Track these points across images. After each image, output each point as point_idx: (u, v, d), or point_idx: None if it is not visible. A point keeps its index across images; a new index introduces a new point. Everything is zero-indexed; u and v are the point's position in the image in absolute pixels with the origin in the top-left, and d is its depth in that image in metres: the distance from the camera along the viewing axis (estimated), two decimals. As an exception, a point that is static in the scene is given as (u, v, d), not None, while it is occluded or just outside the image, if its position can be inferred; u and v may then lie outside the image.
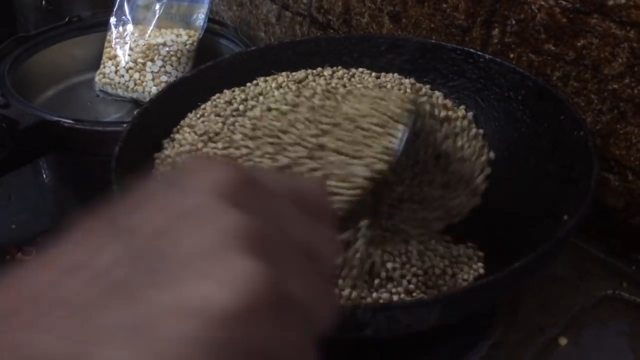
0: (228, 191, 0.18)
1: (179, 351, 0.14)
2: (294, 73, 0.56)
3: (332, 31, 0.75)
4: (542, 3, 0.53)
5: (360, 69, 0.57)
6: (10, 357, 0.14)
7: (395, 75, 0.56)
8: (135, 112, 0.54)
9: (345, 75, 0.57)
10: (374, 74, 0.57)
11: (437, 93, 0.54)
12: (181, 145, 0.47)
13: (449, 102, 0.54)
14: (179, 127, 0.49)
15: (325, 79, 0.55)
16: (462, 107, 0.54)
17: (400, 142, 0.39)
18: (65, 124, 0.60)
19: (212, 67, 0.57)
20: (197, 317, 0.15)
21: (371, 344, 0.45)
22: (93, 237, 0.17)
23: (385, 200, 0.43)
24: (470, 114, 0.53)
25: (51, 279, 0.16)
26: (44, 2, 0.92)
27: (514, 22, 0.56)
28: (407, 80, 0.55)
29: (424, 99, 0.50)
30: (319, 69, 0.57)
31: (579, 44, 0.53)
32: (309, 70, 0.56)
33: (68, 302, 0.15)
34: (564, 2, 0.52)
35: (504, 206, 0.48)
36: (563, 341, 0.48)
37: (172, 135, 0.49)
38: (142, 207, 0.18)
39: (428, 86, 0.55)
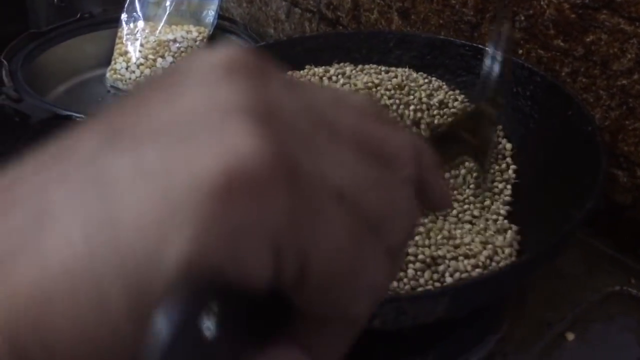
0: (233, 66, 0.15)
1: (148, 224, 0.13)
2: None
3: (341, 27, 0.75)
4: (551, -1, 0.54)
5: (368, 65, 0.58)
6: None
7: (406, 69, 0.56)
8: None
9: (354, 70, 0.57)
10: (383, 68, 0.57)
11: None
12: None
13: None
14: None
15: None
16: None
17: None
18: (78, 119, 0.61)
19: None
20: (178, 185, 0.13)
21: (382, 336, 0.45)
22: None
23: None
24: None
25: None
26: (56, -2, 0.93)
27: (522, 17, 0.56)
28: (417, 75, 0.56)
29: None
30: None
31: (587, 39, 0.53)
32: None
33: (77, 155, 0.14)
34: (573, -2, 0.52)
35: (512, 200, 0.49)
36: (570, 336, 0.48)
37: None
38: (136, 100, 0.16)
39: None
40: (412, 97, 0.52)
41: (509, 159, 0.52)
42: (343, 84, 0.55)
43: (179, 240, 0.13)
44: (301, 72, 0.57)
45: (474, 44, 0.56)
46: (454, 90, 0.55)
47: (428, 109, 0.52)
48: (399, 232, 0.16)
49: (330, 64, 0.58)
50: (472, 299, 0.35)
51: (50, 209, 0.14)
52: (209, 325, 0.12)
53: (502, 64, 0.36)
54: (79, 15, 0.83)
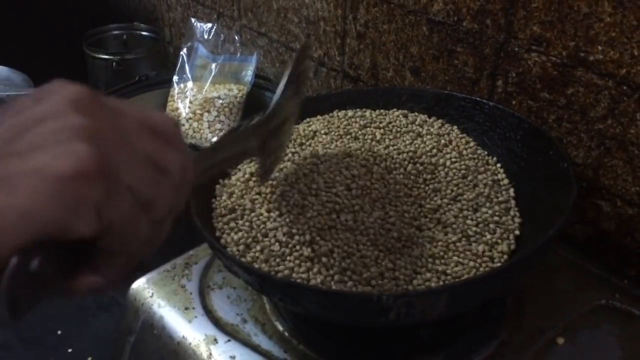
0: (76, 101, 0.25)
1: (33, 196, 0.23)
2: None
3: (362, 84, 0.86)
4: (536, 59, 0.64)
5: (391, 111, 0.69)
6: None
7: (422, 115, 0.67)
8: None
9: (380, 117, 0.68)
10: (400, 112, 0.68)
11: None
12: (244, 174, 0.58)
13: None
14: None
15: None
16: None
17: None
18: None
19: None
20: (44, 175, 0.23)
21: (394, 339, 0.54)
22: None
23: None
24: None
25: None
26: (114, 63, 1.07)
27: (514, 74, 0.67)
28: (431, 120, 0.67)
29: None
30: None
31: (568, 92, 0.63)
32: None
33: None
34: (553, 58, 0.62)
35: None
36: (560, 341, 0.56)
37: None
38: (8, 112, 0.26)
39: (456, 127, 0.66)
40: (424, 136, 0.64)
41: (511, 191, 0.60)
42: (364, 125, 0.66)
43: (49, 206, 0.23)
44: (329, 114, 0.68)
45: (473, 97, 0.66)
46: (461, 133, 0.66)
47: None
48: (160, 210, 0.27)
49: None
50: (467, 296, 0.44)
51: None
52: (36, 263, 0.24)
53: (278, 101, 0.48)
54: (137, 78, 0.95)
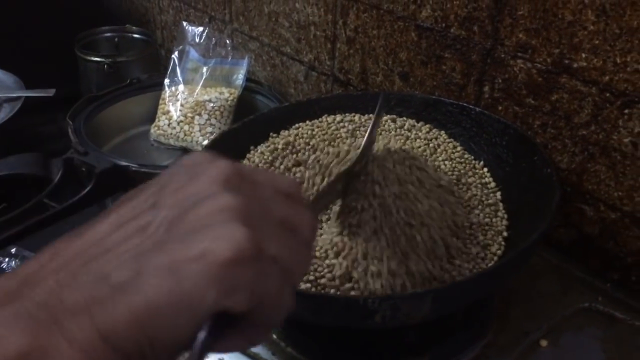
0: (224, 179, 0.27)
1: (197, 283, 0.24)
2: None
3: (352, 88, 0.87)
4: (522, 66, 0.65)
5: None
6: (86, 277, 0.24)
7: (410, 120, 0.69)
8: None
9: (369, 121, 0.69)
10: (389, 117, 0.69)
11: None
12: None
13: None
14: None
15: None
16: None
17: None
18: (133, 168, 0.73)
19: (252, 120, 0.69)
20: (207, 262, 0.24)
21: (381, 341, 0.55)
22: (132, 206, 0.27)
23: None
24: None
25: (105, 230, 0.26)
26: (105, 66, 1.07)
27: (500, 80, 0.68)
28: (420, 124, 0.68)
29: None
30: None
31: (552, 98, 0.64)
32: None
33: (118, 246, 0.25)
34: (538, 65, 0.64)
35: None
36: (544, 343, 0.57)
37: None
38: (165, 188, 0.27)
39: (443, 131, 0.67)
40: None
41: (498, 194, 0.62)
42: (354, 129, 0.67)
43: (212, 296, 0.24)
44: (318, 119, 0.69)
45: (460, 103, 0.67)
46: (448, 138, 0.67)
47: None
48: (299, 274, 0.30)
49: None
50: (451, 299, 0.45)
51: (143, 276, 0.24)
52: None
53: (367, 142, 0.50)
54: (128, 81, 0.96)
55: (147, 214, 0.26)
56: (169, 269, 0.24)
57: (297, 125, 0.68)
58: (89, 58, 1.09)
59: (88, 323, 0.23)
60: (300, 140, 0.65)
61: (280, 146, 0.65)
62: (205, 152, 0.29)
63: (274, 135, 0.67)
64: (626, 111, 0.58)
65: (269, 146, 0.65)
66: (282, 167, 0.63)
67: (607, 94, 0.59)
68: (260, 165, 0.63)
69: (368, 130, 0.50)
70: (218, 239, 0.25)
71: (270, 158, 0.63)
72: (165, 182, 0.28)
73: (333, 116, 0.70)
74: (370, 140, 0.51)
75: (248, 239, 0.25)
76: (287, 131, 0.68)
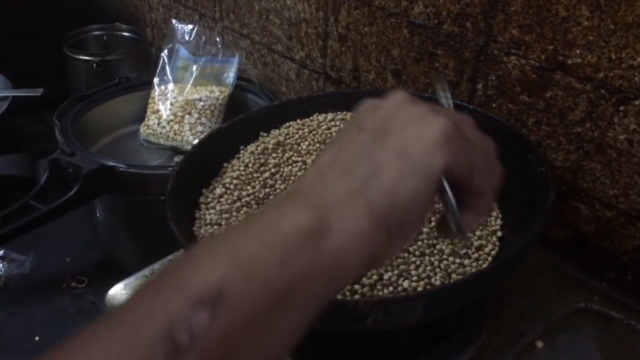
0: (408, 99, 0.33)
1: (423, 152, 0.30)
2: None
3: (344, 86, 0.86)
4: (516, 62, 0.64)
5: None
6: (340, 180, 0.30)
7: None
8: (180, 154, 0.66)
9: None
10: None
11: None
12: (227, 179, 0.58)
13: None
14: (222, 170, 0.61)
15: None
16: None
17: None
18: (121, 168, 0.72)
19: (242, 119, 0.68)
20: (425, 137, 0.30)
21: (374, 344, 0.54)
22: (344, 138, 0.32)
23: None
24: None
25: (334, 154, 0.32)
26: (94, 64, 1.06)
27: (494, 77, 0.67)
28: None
29: None
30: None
31: (547, 95, 0.63)
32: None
33: (353, 159, 0.31)
34: (532, 61, 0.63)
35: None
36: (539, 344, 0.56)
37: (217, 176, 0.61)
38: (361, 118, 0.33)
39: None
40: None
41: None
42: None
43: (439, 157, 0.30)
44: (309, 118, 0.68)
45: (454, 101, 0.66)
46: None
47: None
48: (492, 152, 0.36)
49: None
50: (444, 302, 0.44)
51: (377, 167, 0.30)
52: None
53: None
54: (117, 80, 0.94)
55: (359, 137, 0.32)
56: (396, 153, 0.30)
57: (287, 124, 0.67)
58: (77, 57, 1.07)
59: (356, 206, 0.29)
60: (291, 139, 0.64)
61: (270, 145, 0.63)
62: (372, 99, 0.35)
63: (264, 134, 0.66)
64: (621, 108, 0.57)
65: (259, 145, 0.64)
66: (271, 164, 0.62)
67: (602, 91, 0.58)
68: (250, 165, 0.62)
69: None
70: (425, 126, 0.30)
71: (261, 158, 0.62)
72: (357, 117, 0.33)
73: (324, 115, 0.68)
74: None
75: (452, 123, 0.30)
76: (277, 130, 0.66)
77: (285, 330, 0.27)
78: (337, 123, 0.67)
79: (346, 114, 0.69)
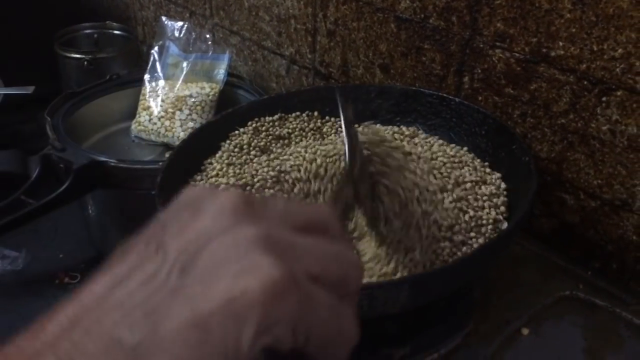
0: (232, 209, 0.23)
1: (228, 331, 0.20)
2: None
3: (333, 81, 0.87)
4: (501, 55, 0.65)
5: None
6: (96, 344, 0.20)
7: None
8: (171, 150, 0.66)
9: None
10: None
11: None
12: (212, 171, 0.59)
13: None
14: (208, 162, 0.62)
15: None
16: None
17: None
18: (111, 163, 0.72)
19: (232, 113, 0.69)
20: (235, 305, 0.20)
21: (362, 333, 0.55)
22: (132, 255, 0.23)
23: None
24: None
25: (104, 288, 0.22)
26: (85, 62, 1.06)
27: (479, 71, 0.68)
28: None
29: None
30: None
31: (531, 87, 0.64)
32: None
33: (123, 304, 0.21)
34: (517, 54, 0.64)
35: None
36: (525, 331, 0.57)
37: (202, 167, 0.61)
38: (168, 228, 0.23)
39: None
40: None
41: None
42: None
43: (250, 337, 0.21)
44: (293, 114, 0.69)
45: (440, 93, 0.67)
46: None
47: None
48: (355, 287, 0.25)
49: (321, 112, 0.70)
50: (428, 287, 0.44)
51: (160, 334, 0.21)
52: None
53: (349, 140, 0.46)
54: (108, 77, 0.95)
55: (152, 260, 0.23)
56: (191, 320, 0.21)
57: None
58: (68, 55, 1.08)
59: None
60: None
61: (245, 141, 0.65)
62: (203, 186, 0.26)
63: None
64: (604, 99, 0.58)
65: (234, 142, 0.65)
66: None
67: (585, 82, 0.59)
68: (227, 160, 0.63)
69: (344, 134, 0.46)
70: (242, 275, 0.21)
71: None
72: (166, 222, 0.24)
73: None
74: (351, 142, 0.47)
75: (276, 266, 0.21)
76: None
77: None
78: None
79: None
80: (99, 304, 0.22)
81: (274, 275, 0.21)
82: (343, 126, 0.47)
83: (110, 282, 0.23)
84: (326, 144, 0.60)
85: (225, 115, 0.68)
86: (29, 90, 1.01)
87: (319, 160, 0.54)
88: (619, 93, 0.57)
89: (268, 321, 0.21)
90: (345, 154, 0.46)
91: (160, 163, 0.71)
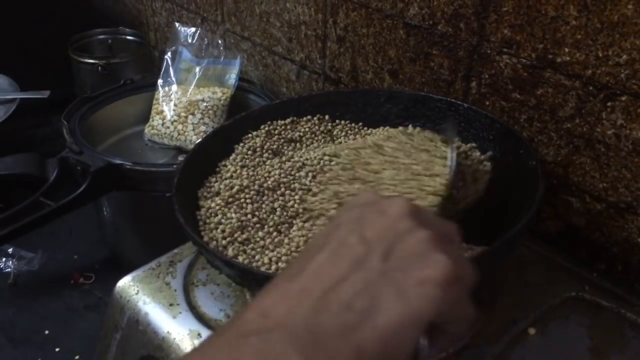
0: (409, 213, 0.32)
1: (422, 302, 0.28)
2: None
3: (342, 86, 0.89)
4: (508, 61, 0.66)
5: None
6: (333, 306, 0.28)
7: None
8: (184, 153, 0.68)
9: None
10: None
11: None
12: (226, 173, 0.61)
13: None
14: (222, 164, 0.64)
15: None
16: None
17: (451, 162, 0.51)
18: (127, 166, 0.74)
19: (245, 117, 0.71)
20: (427, 285, 0.28)
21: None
22: (333, 244, 0.31)
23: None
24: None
25: (324, 265, 0.30)
26: (99, 67, 1.09)
27: (487, 76, 0.69)
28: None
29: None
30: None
31: (538, 92, 0.65)
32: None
33: (347, 278, 0.29)
34: (523, 60, 0.65)
35: (483, 221, 0.60)
36: (532, 331, 0.58)
37: (217, 169, 0.63)
38: (363, 222, 0.32)
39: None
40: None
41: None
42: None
43: (433, 307, 0.28)
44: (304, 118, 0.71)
45: (449, 99, 0.68)
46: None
47: None
48: (469, 282, 0.32)
49: (332, 115, 0.71)
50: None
51: (376, 302, 0.28)
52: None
53: (455, 166, 0.51)
54: (122, 82, 0.97)
55: (358, 247, 0.30)
56: (397, 294, 0.28)
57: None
58: (83, 60, 1.10)
59: (345, 345, 0.27)
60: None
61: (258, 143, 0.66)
62: (374, 192, 0.36)
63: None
64: (609, 104, 0.59)
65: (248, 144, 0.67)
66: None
67: (590, 87, 0.60)
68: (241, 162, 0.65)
69: (451, 161, 0.51)
70: (430, 267, 0.29)
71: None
72: (358, 218, 0.32)
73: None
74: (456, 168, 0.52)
75: (449, 265, 0.29)
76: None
77: None
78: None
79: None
80: (324, 275, 0.29)
81: (450, 270, 0.29)
82: (451, 154, 0.51)
83: (328, 259, 0.30)
84: None
85: (239, 119, 0.69)
86: (45, 94, 1.03)
87: None
88: (623, 98, 0.58)
89: (445, 299, 0.29)
90: (450, 178, 0.50)
91: (175, 165, 0.73)
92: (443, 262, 0.29)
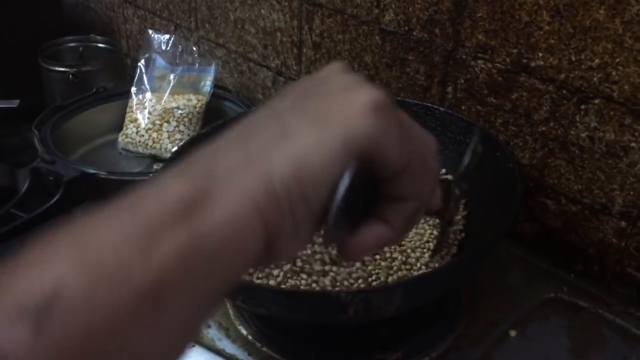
0: (347, 69, 0.29)
1: (348, 120, 0.26)
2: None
3: (319, 92, 0.88)
4: (483, 66, 0.67)
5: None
6: (238, 149, 0.26)
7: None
8: (160, 162, 0.67)
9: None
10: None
11: None
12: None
13: None
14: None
15: None
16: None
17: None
18: (102, 175, 0.73)
19: (222, 125, 0.70)
20: (351, 107, 0.26)
21: (354, 338, 0.56)
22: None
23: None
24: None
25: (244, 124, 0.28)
26: (70, 75, 1.06)
27: (462, 81, 0.70)
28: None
29: None
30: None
31: (513, 96, 0.66)
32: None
33: (269, 109, 0.28)
34: (498, 65, 0.66)
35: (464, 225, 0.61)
36: (513, 333, 0.59)
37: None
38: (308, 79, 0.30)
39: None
40: None
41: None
42: None
43: (362, 124, 0.25)
44: None
45: (425, 103, 0.69)
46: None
47: None
48: (434, 166, 0.30)
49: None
50: (420, 291, 0.46)
51: (288, 130, 0.26)
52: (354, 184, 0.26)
53: (469, 162, 0.50)
54: (94, 90, 0.95)
55: (280, 100, 0.28)
56: (314, 115, 0.26)
57: None
58: (53, 68, 1.07)
59: (250, 174, 0.24)
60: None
61: None
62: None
63: None
64: (582, 107, 0.61)
65: None
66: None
67: (564, 91, 0.61)
68: None
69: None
70: (360, 93, 0.26)
71: None
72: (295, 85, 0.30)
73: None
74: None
75: (384, 93, 0.27)
76: None
77: (162, 338, 0.22)
78: None
79: None
80: (238, 132, 0.28)
81: (383, 96, 0.27)
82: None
83: (246, 121, 0.28)
84: None
85: (216, 127, 0.69)
86: (14, 103, 1.00)
87: None
88: (596, 101, 0.59)
89: (380, 122, 0.26)
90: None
91: (151, 174, 0.72)
92: (374, 91, 0.27)
